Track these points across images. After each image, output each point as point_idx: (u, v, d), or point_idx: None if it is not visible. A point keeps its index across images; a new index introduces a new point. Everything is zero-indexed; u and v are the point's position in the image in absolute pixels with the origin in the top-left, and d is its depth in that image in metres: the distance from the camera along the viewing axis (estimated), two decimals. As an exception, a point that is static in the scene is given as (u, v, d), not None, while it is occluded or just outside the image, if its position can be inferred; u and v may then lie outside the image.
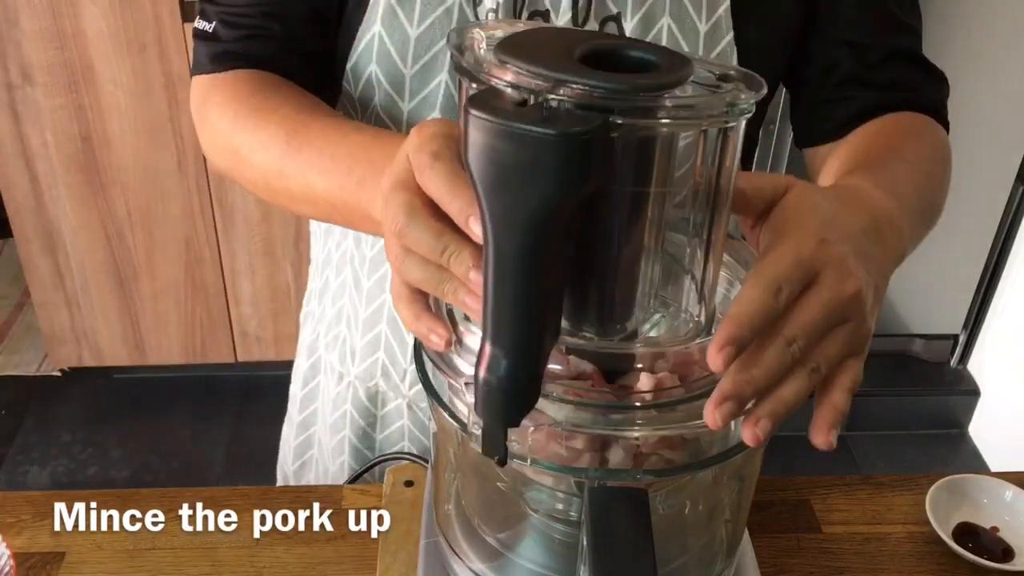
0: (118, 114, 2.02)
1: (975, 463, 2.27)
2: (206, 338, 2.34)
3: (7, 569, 0.74)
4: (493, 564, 0.62)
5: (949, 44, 1.93)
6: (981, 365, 2.34)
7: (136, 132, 2.05)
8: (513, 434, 0.50)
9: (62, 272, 2.22)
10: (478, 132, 0.42)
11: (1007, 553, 0.81)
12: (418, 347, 0.58)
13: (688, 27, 0.73)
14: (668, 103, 0.45)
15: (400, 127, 0.77)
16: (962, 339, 2.36)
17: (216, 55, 0.77)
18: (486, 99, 0.43)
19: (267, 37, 0.76)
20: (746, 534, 0.69)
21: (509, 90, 0.44)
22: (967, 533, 0.82)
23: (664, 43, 0.73)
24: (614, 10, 0.73)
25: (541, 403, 0.49)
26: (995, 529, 0.83)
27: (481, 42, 0.49)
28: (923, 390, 2.36)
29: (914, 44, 0.84)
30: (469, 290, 0.48)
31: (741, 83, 0.48)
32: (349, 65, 0.77)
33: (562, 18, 0.73)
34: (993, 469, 2.18)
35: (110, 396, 2.44)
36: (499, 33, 0.50)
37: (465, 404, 0.51)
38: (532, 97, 0.43)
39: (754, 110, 0.47)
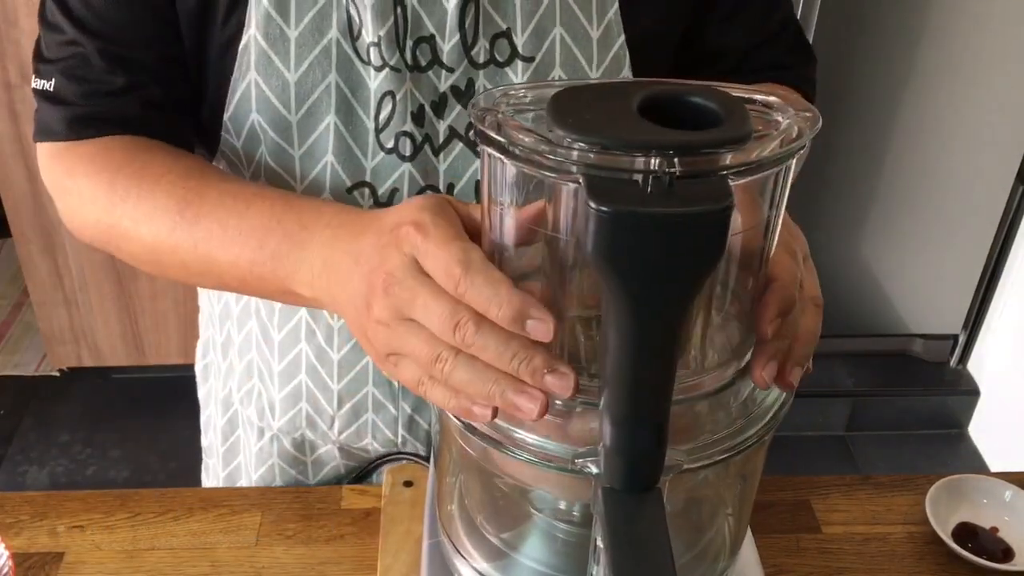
0: (117, 114, 2.02)
1: (975, 463, 2.27)
2: (205, 338, 2.34)
3: (6, 569, 0.74)
4: (497, 564, 0.61)
5: (949, 44, 1.93)
6: (981, 365, 2.34)
7: (135, 132, 2.05)
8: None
9: (61, 272, 2.22)
10: (613, 227, 0.40)
11: (1007, 553, 0.81)
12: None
13: (580, 35, 0.72)
14: (754, 153, 0.44)
15: (292, 174, 0.73)
16: (962, 339, 2.36)
17: (72, 120, 0.70)
18: (602, 188, 0.41)
19: (122, 92, 0.70)
20: (748, 531, 0.69)
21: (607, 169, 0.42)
22: (967, 533, 0.82)
23: (557, 54, 0.71)
24: (503, 26, 0.70)
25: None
26: (995, 529, 0.83)
27: (505, 108, 0.48)
28: (923, 390, 2.36)
29: (789, 25, 0.85)
30: (523, 391, 0.47)
31: (788, 108, 0.48)
32: (227, 116, 0.72)
33: (449, 41, 0.70)
34: (993, 469, 2.18)
35: (109, 396, 2.44)
36: (520, 93, 0.50)
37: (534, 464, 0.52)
38: (643, 176, 0.41)
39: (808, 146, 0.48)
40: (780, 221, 0.51)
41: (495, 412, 0.50)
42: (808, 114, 0.48)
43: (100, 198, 0.69)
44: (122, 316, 2.29)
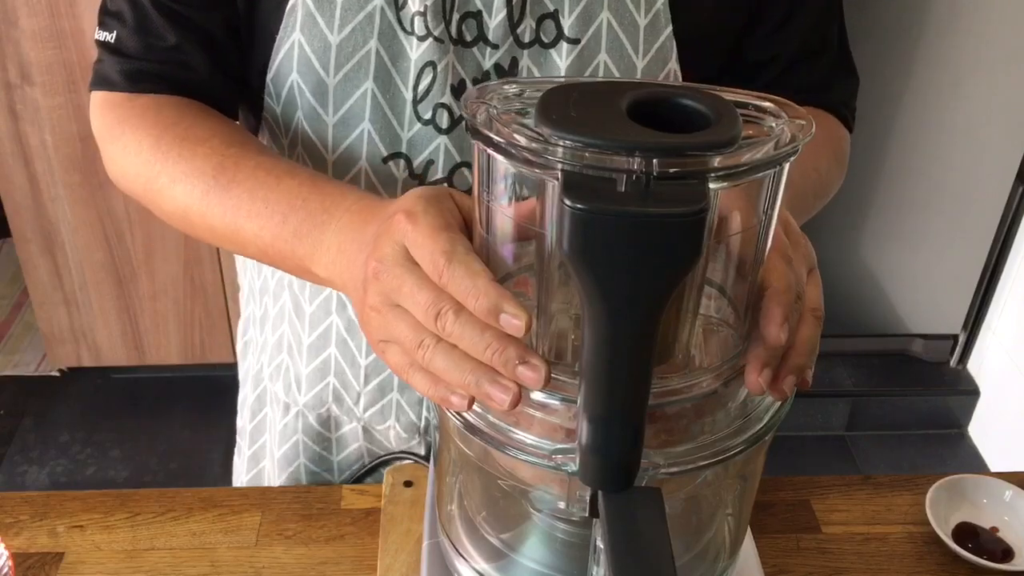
0: (117, 114, 2.02)
1: (975, 463, 2.27)
2: (205, 338, 2.34)
3: (6, 569, 0.74)
4: (497, 564, 0.61)
5: (949, 44, 1.93)
6: (981, 365, 2.34)
7: (135, 132, 2.05)
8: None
9: (61, 272, 2.22)
10: (587, 225, 0.40)
11: (1007, 553, 0.81)
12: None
13: (628, 22, 0.72)
14: (742, 157, 0.44)
15: (326, 142, 0.74)
16: (962, 339, 2.36)
17: (131, 73, 0.73)
18: (578, 186, 0.41)
19: (183, 54, 0.73)
20: (748, 532, 0.69)
21: (591, 167, 0.42)
22: (967, 533, 0.82)
23: (603, 39, 0.72)
24: (551, 7, 0.71)
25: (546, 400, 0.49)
26: (995, 529, 0.83)
27: (497, 105, 0.48)
28: (923, 390, 2.36)
29: (834, 43, 0.86)
30: (497, 382, 0.48)
31: (781, 114, 0.48)
32: (269, 76, 0.74)
33: (495, 17, 0.70)
34: (993, 469, 2.18)
35: (109, 396, 2.44)
36: (511, 89, 0.50)
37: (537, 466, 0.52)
38: (622, 176, 0.41)
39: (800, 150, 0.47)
40: (773, 226, 0.51)
41: (471, 402, 0.51)
42: (802, 121, 0.48)
43: (144, 152, 0.71)
44: (122, 316, 2.29)
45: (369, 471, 0.91)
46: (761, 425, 0.54)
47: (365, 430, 0.90)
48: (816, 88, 0.84)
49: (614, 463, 0.48)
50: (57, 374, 2.47)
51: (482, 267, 0.49)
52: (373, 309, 0.54)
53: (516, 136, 0.45)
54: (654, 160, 0.41)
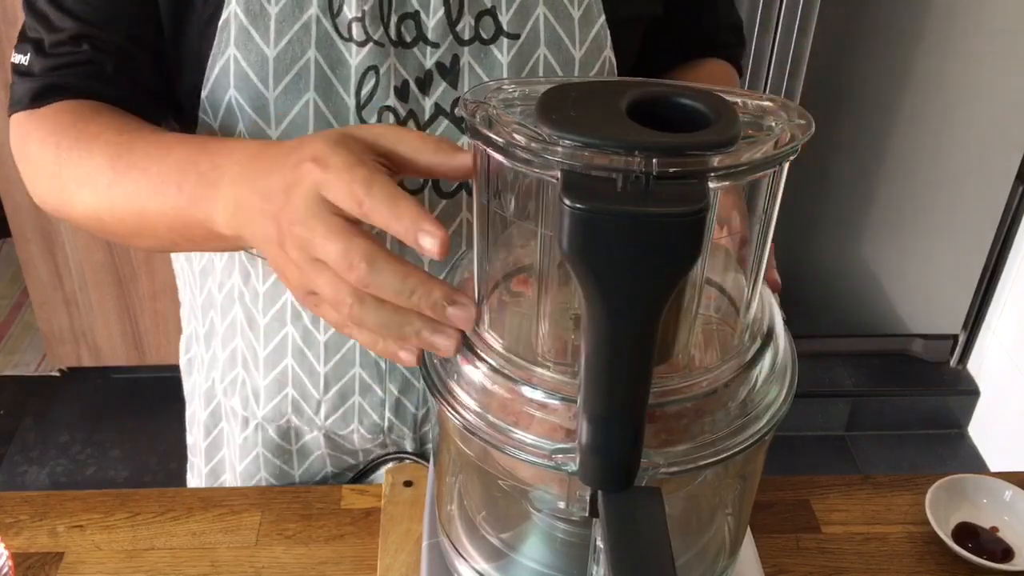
0: (117, 114, 2.02)
1: (975, 463, 2.27)
2: (205, 338, 2.34)
3: (6, 569, 0.74)
4: (497, 564, 0.61)
5: (949, 44, 1.93)
6: (981, 365, 2.34)
7: (135, 132, 2.05)
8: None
9: (61, 272, 2.22)
10: (586, 225, 0.40)
11: (1007, 553, 0.81)
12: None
13: (563, 14, 0.73)
14: (742, 157, 0.44)
15: None
16: (962, 339, 2.36)
17: (35, 91, 0.72)
18: (577, 185, 0.41)
19: (89, 67, 0.72)
20: (748, 532, 0.69)
21: (592, 169, 0.42)
22: (967, 533, 0.82)
23: (541, 32, 0.73)
24: (488, 4, 0.72)
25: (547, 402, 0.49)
26: (995, 529, 0.83)
27: (496, 103, 0.48)
28: (923, 390, 2.36)
29: (733, 11, 0.94)
30: (438, 329, 0.47)
31: (782, 113, 0.49)
32: (204, 94, 0.72)
33: (434, 16, 0.71)
34: (993, 469, 2.18)
35: (109, 396, 2.44)
36: (510, 88, 0.50)
37: (537, 463, 0.52)
38: (622, 176, 0.41)
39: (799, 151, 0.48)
40: (773, 225, 0.51)
41: (420, 356, 0.50)
42: (802, 121, 0.48)
43: (48, 163, 0.70)
44: (122, 316, 2.29)
45: (369, 471, 0.91)
46: (761, 425, 0.54)
47: (327, 437, 0.89)
48: (710, 43, 0.92)
49: (614, 463, 0.48)
50: (57, 374, 2.47)
51: (404, 193, 0.48)
52: (292, 263, 0.52)
53: (516, 136, 0.45)
54: (653, 160, 0.41)
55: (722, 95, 0.47)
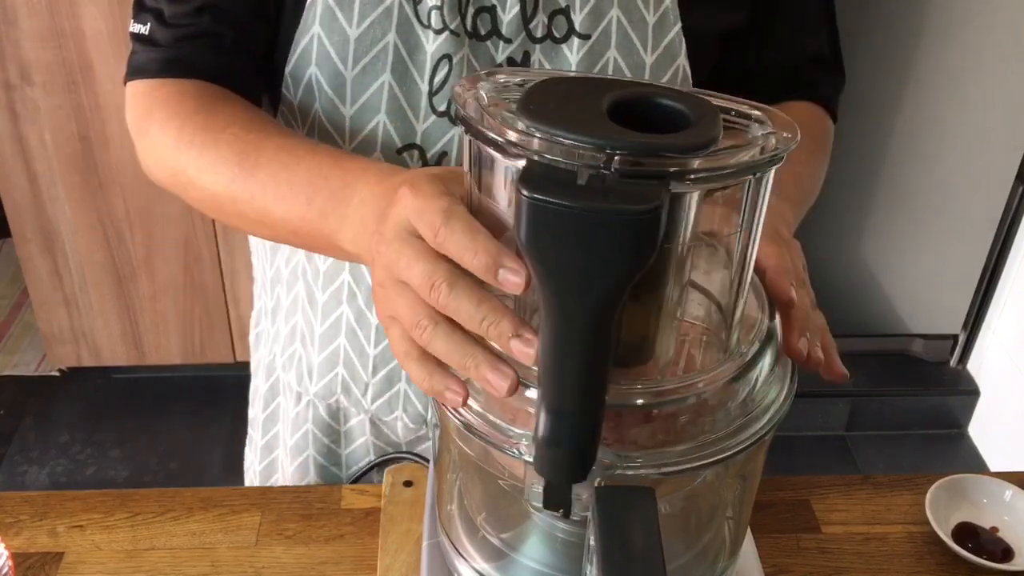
0: (117, 114, 2.02)
1: (975, 463, 2.27)
2: (205, 338, 2.34)
3: (6, 569, 0.74)
4: (497, 564, 0.61)
5: (949, 44, 1.93)
6: (981, 365, 2.34)
7: (135, 132, 2.05)
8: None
9: (61, 272, 2.22)
10: (540, 215, 0.40)
11: (1007, 553, 0.81)
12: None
13: (636, 19, 0.74)
14: (715, 162, 0.44)
15: (343, 133, 0.75)
16: (962, 339, 2.36)
17: (157, 61, 0.74)
18: (537, 177, 0.41)
19: (210, 39, 0.74)
20: (748, 532, 0.68)
21: (556, 159, 0.43)
22: (967, 533, 0.82)
23: (613, 35, 0.73)
24: (563, 3, 0.73)
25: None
26: (995, 529, 0.83)
27: (486, 94, 0.48)
28: (923, 390, 2.36)
29: (827, 44, 0.89)
30: (496, 366, 0.48)
31: (767, 123, 0.48)
32: (288, 69, 0.75)
33: (509, 12, 0.72)
34: (993, 469, 2.18)
35: (109, 396, 2.44)
36: (502, 79, 0.50)
37: (510, 457, 0.52)
38: (584, 171, 0.41)
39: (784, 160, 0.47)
40: (759, 234, 0.51)
41: (466, 398, 0.50)
42: (787, 134, 0.48)
43: (169, 144, 0.72)
44: (122, 316, 2.29)
45: (370, 470, 0.91)
46: (761, 425, 0.54)
47: (372, 423, 0.90)
48: (802, 85, 0.87)
49: (566, 455, 0.47)
50: (57, 374, 2.47)
51: (481, 227, 0.49)
52: (379, 284, 0.53)
53: (495, 124, 0.45)
54: (615, 157, 0.41)
55: (710, 99, 0.47)
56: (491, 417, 0.52)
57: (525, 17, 0.72)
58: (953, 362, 2.40)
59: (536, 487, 0.51)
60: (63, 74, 1.98)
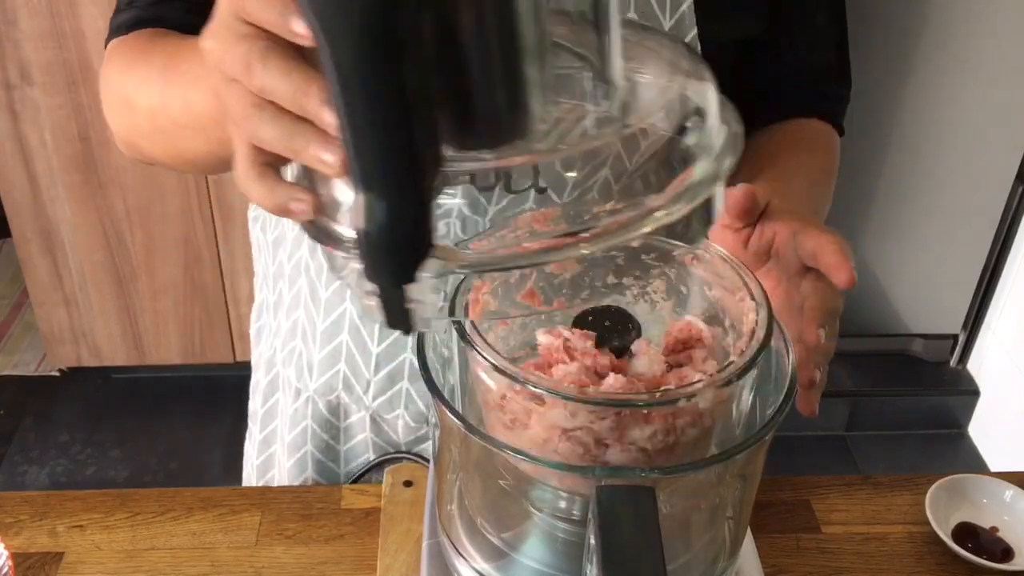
0: (117, 114, 2.02)
1: (975, 463, 2.27)
2: (205, 338, 2.34)
3: (5, 569, 0.74)
4: (497, 564, 0.61)
5: (949, 44, 1.93)
6: (981, 365, 2.34)
7: (135, 132, 2.05)
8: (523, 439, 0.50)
9: (60, 272, 2.22)
10: None
11: (1006, 553, 0.81)
12: (421, 344, 0.58)
13: (652, 22, 0.73)
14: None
15: None
16: (962, 339, 2.36)
17: (131, 20, 0.75)
18: None
19: (184, 2, 0.73)
20: (748, 532, 0.68)
21: None
22: (967, 533, 0.82)
23: None
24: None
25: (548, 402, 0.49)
26: (995, 529, 0.83)
27: None
28: (923, 390, 2.36)
29: (837, 57, 0.90)
30: (327, 143, 0.42)
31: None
32: None
33: None
34: (993, 469, 2.18)
35: (109, 396, 2.44)
36: None
37: (353, 278, 0.45)
38: None
39: None
40: None
41: (314, 206, 0.45)
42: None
43: (115, 76, 0.71)
44: (122, 316, 2.29)
45: (369, 470, 0.91)
46: (761, 424, 0.54)
47: (373, 420, 0.90)
48: (813, 99, 0.87)
49: (387, 249, 0.40)
50: (57, 374, 2.47)
51: None
52: (214, 96, 0.49)
53: None
54: None
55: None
56: (327, 223, 0.45)
57: None
58: (953, 362, 2.40)
59: (372, 301, 0.43)
60: (63, 74, 1.98)
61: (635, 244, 0.57)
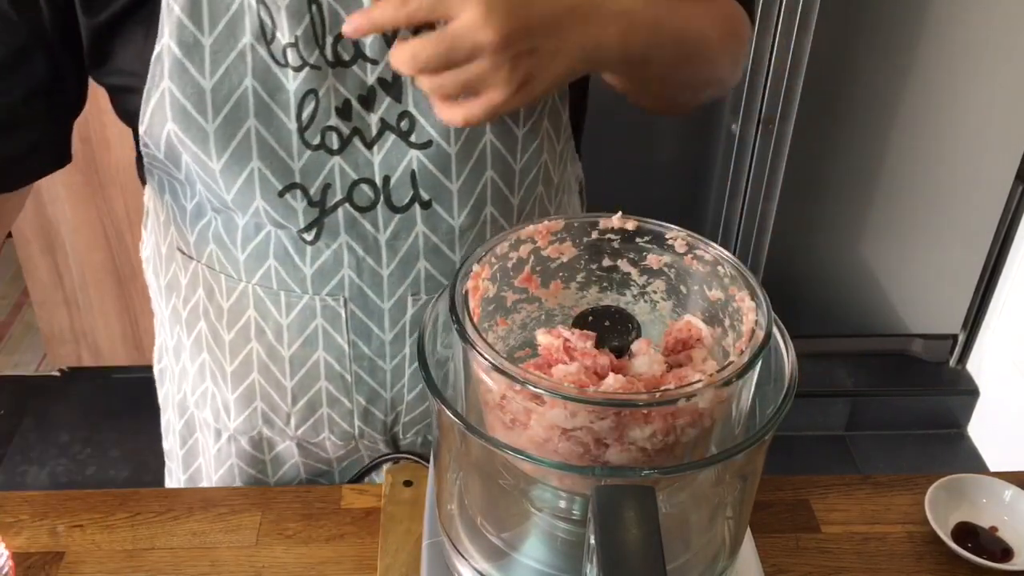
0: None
1: (974, 463, 2.27)
2: (205, 338, 2.34)
3: (6, 569, 0.74)
4: (497, 564, 0.62)
5: (948, 44, 1.93)
6: (980, 365, 2.34)
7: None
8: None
9: (61, 272, 2.22)
10: None
11: (1006, 553, 0.81)
12: (421, 344, 0.58)
13: None
14: None
15: (217, 184, 0.72)
16: (961, 339, 2.36)
17: None
18: None
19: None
20: (748, 532, 0.69)
21: None
22: (966, 533, 0.82)
23: None
24: None
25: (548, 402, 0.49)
26: (994, 529, 0.83)
27: None
28: (922, 390, 2.36)
29: None
30: None
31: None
32: (143, 129, 0.72)
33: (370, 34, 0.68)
34: (992, 469, 2.18)
35: (109, 396, 2.44)
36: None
37: None
38: None
39: None
40: None
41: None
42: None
43: None
44: (122, 316, 2.29)
45: (370, 471, 0.91)
46: (761, 424, 0.54)
47: (300, 446, 0.90)
48: None
49: None
50: (57, 374, 2.47)
51: None
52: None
53: None
54: None
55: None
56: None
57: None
58: (953, 362, 2.40)
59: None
60: (63, 74, 1.98)
61: (630, 227, 0.61)
